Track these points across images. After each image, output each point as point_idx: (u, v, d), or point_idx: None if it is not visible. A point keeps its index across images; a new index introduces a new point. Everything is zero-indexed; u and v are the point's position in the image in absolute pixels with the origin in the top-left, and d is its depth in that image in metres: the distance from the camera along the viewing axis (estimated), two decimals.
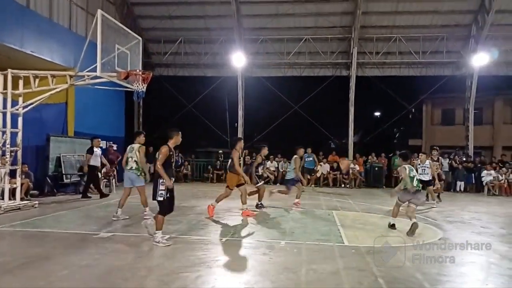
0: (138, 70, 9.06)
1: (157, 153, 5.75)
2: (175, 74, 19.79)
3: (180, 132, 5.99)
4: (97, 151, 11.49)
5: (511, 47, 17.17)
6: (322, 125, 20.40)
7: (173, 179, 5.84)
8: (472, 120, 18.20)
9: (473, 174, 16.21)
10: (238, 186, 8.55)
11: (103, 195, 11.44)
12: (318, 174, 17.10)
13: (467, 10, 16.94)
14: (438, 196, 11.63)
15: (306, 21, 17.86)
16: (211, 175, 18.04)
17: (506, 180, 15.09)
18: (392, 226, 7.26)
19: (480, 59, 16.50)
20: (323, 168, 17.11)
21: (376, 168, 17.75)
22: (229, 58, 17.85)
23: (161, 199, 5.64)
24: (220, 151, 19.33)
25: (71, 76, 9.24)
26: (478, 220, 8.69)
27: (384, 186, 17.27)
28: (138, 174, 7.79)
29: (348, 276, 4.47)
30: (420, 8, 16.97)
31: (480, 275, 4.49)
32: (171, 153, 5.78)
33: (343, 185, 17.12)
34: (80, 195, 11.47)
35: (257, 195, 9.77)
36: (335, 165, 17.57)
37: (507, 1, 15.94)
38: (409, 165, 7.17)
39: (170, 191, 5.71)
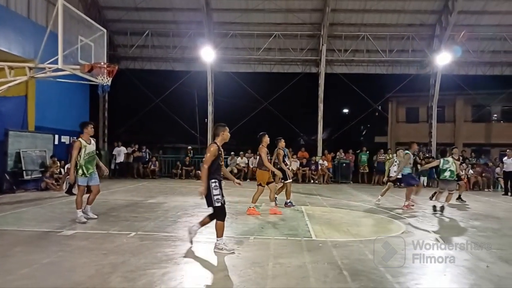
0: (102, 63, 8.78)
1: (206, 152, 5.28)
2: (142, 68, 19.35)
3: (227, 128, 5.45)
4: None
5: (473, 48, 17.93)
6: (291, 121, 20.61)
7: (223, 182, 5.33)
8: (435, 118, 18.92)
9: (434, 170, 16.85)
10: (267, 183, 8.49)
11: (70, 192, 11.01)
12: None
13: (432, 10, 17.56)
14: (460, 197, 11.55)
15: (276, 17, 17.93)
16: (180, 171, 17.81)
17: (465, 175, 15.80)
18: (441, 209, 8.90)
19: (443, 59, 17.14)
20: (293, 164, 17.28)
21: (344, 164, 18.15)
22: (198, 52, 17.63)
23: (219, 204, 5.12)
24: (189, 147, 19.12)
25: (30, 68, 8.81)
26: (438, 214, 9.04)
27: (351, 182, 17.70)
28: (77, 171, 6.95)
29: (314, 269, 4.54)
30: (387, 7, 17.41)
31: (439, 266, 4.67)
32: (219, 152, 5.26)
33: (312, 181, 17.38)
34: (65, 192, 11.08)
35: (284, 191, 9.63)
36: (304, 161, 17.80)
37: (469, 2, 16.66)
38: (444, 159, 9.29)
39: (222, 192, 5.24)
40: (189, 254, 5.16)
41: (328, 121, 22.88)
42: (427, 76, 19.05)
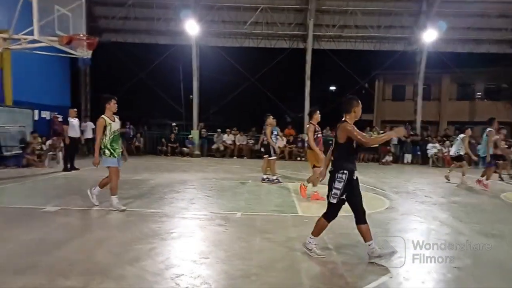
0: (82, 35, 8.43)
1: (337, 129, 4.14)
2: (125, 41, 18.75)
3: (360, 102, 4.24)
4: (73, 121, 11.01)
5: (459, 25, 17.90)
6: (278, 98, 20.45)
7: (356, 172, 4.13)
8: (421, 96, 19.02)
9: (418, 147, 17.13)
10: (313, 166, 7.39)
11: (73, 168, 10.99)
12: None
13: None
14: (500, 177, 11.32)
15: None
16: (165, 148, 17.64)
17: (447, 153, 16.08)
18: None
19: (430, 35, 17.09)
20: (279, 142, 17.26)
21: (330, 141, 18.18)
22: (183, 25, 17.15)
23: (334, 201, 4.06)
24: (174, 124, 18.87)
25: (4, 39, 8.40)
26: (421, 190, 9.21)
27: None
28: (103, 152, 6.10)
29: (300, 243, 4.56)
30: None
31: (420, 239, 4.76)
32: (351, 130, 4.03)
33: (298, 158, 17.45)
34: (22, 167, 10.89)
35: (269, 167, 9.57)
36: (291, 138, 17.81)
37: None
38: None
39: (352, 187, 4.06)
40: (176, 230, 5.14)
41: (315, 98, 22.83)
42: (413, 54, 19.02)
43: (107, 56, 17.41)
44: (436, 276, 3.71)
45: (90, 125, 14.26)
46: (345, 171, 4.00)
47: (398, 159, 17.22)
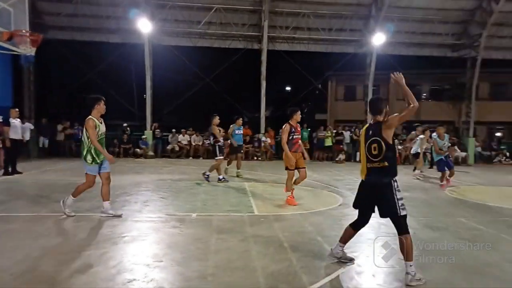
0: (24, 31, 7.94)
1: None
2: (73, 38, 17.85)
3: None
4: (15, 122, 10.33)
5: (405, 29, 18.86)
6: (234, 98, 20.47)
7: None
8: (370, 96, 19.80)
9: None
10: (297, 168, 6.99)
11: (15, 172, 10.34)
12: None
13: None
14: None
15: None
16: (118, 149, 17.03)
17: (397, 150, 16.94)
18: None
19: (378, 39, 17.88)
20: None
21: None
22: (135, 23, 16.65)
23: (405, 213, 3.61)
24: (125, 124, 18.29)
25: None
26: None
27: None
28: (82, 157, 5.70)
29: (256, 243, 4.62)
30: None
31: (371, 235, 4.98)
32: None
33: (255, 158, 17.57)
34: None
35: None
36: (247, 138, 17.87)
37: None
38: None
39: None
40: (129, 233, 4.98)
41: (271, 98, 23.11)
42: (363, 56, 19.81)
43: (54, 54, 16.53)
44: (386, 269, 3.88)
45: (28, 126, 13.14)
46: (396, 178, 3.66)
47: (351, 157, 17.86)
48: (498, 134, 26.18)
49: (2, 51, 8.89)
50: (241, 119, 11.28)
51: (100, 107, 5.77)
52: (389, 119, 3.72)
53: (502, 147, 19.49)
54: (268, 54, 18.32)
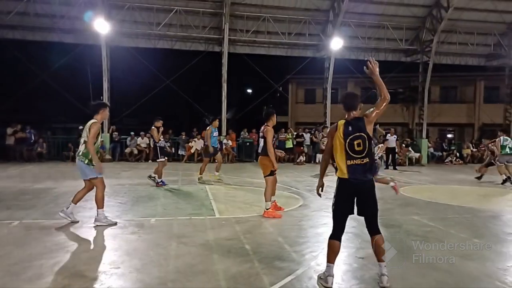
0: None
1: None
2: (24, 38, 16.95)
3: None
4: None
5: (362, 34, 19.55)
6: (195, 101, 20.27)
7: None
8: (329, 99, 20.33)
9: None
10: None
11: None
12: (192, 150, 17.09)
13: None
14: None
15: None
16: (72, 153, 16.30)
17: None
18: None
19: (336, 43, 18.38)
20: (197, 144, 17.10)
21: (248, 144, 18.60)
22: (91, 24, 16.07)
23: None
24: (81, 127, 17.54)
25: None
26: (331, 188, 9.77)
27: (255, 160, 18.21)
28: (86, 162, 5.39)
29: (217, 246, 4.60)
30: None
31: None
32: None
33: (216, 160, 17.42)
34: None
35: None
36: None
37: None
38: (504, 137, 10.81)
39: None
40: (83, 241, 4.79)
41: (232, 101, 23.08)
42: (322, 60, 20.29)
43: (4, 55, 15.61)
44: (344, 267, 3.99)
45: None
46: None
47: (311, 159, 18.20)
48: (449, 135, 27.77)
49: None
50: (217, 120, 10.75)
51: (105, 114, 5.65)
52: (369, 114, 3.61)
53: (452, 147, 20.64)
54: (229, 57, 18.32)
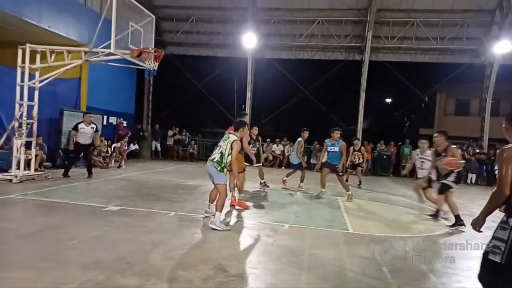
0: (150, 48, 9.00)
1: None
2: (186, 53, 19.62)
3: None
4: (85, 128, 10.13)
5: None
6: (330, 110, 20.17)
7: None
8: (489, 111, 17.76)
9: (485, 167, 16.01)
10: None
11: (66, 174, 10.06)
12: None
13: None
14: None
15: (320, 2, 17.39)
16: None
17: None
18: None
19: (502, 47, 15.93)
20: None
21: (385, 156, 17.58)
22: (240, 38, 17.58)
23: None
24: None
25: (85, 52, 9.24)
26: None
27: (391, 175, 17.12)
28: (218, 168, 5.87)
29: (351, 263, 4.45)
30: None
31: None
32: None
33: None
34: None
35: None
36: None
37: None
38: None
39: None
40: (226, 237, 5.23)
41: (370, 111, 22.18)
42: (481, 66, 17.88)
43: (169, 67, 18.33)
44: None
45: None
46: None
47: (461, 179, 16.12)
48: None
49: (130, 66, 10.21)
50: (337, 132, 9.26)
51: (244, 132, 6.46)
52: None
53: None
54: (370, 64, 17.72)
